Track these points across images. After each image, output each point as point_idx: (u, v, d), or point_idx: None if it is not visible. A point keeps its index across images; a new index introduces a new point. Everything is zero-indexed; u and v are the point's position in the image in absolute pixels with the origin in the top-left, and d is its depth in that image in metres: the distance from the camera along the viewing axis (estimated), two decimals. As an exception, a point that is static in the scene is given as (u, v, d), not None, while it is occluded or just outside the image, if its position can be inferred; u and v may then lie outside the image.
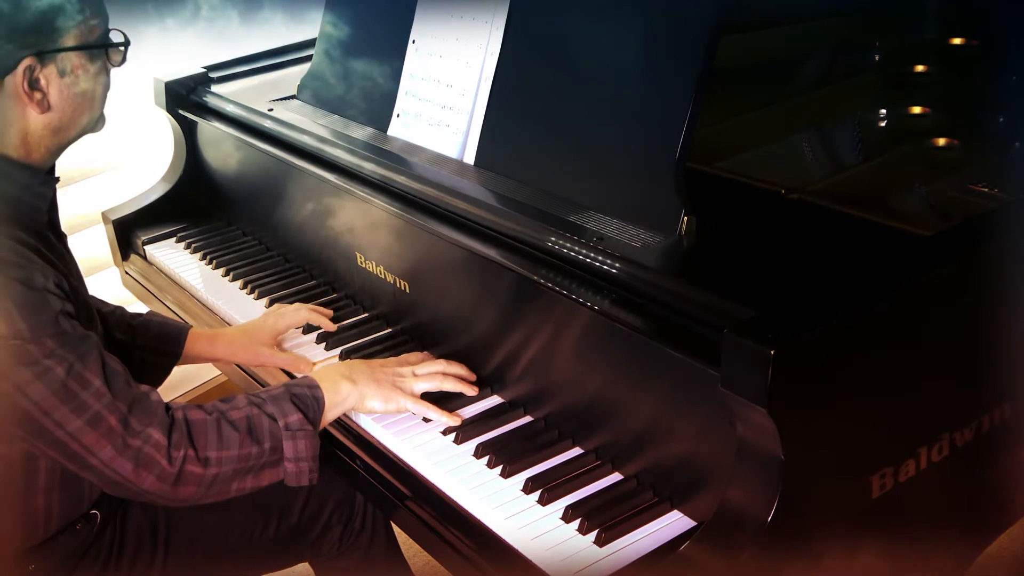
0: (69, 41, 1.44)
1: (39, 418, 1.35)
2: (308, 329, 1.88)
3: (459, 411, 1.60)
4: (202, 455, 1.41)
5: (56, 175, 1.54)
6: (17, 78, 1.41)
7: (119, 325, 1.79)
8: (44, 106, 1.44)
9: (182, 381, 2.88)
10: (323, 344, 1.84)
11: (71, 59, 1.44)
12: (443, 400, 1.61)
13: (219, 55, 2.43)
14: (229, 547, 1.70)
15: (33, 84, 1.42)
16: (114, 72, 1.55)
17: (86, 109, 1.49)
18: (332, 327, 1.86)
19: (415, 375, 1.62)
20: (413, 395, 1.59)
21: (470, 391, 1.63)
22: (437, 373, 1.63)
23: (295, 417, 1.47)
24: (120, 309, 1.84)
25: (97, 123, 1.54)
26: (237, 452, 1.43)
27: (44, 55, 1.42)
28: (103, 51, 1.50)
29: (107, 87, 1.53)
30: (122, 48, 1.52)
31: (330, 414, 1.54)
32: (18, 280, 1.34)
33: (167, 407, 1.43)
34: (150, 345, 1.79)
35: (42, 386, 1.34)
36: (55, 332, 1.35)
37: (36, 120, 1.44)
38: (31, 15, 1.39)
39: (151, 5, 2.65)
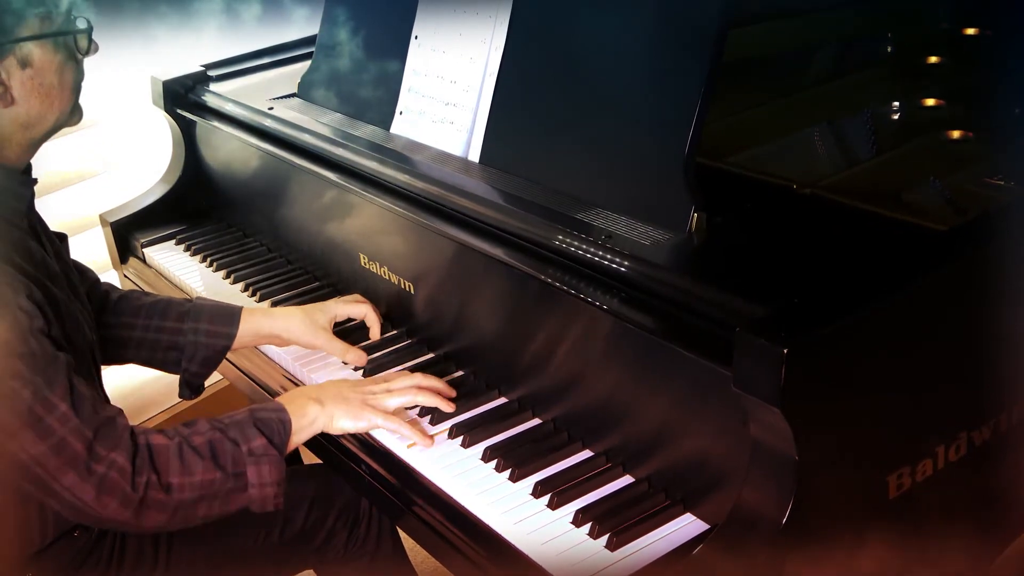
0: (26, 31, 1.37)
1: (3, 441, 1.31)
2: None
3: (466, 414, 1.58)
4: (164, 481, 1.37)
5: (34, 176, 1.49)
6: None
7: (167, 312, 1.76)
8: (7, 100, 1.39)
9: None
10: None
11: (32, 49, 1.39)
12: (438, 413, 1.58)
13: (236, 53, 2.40)
14: (232, 553, 1.68)
15: None
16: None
17: (55, 102, 1.44)
18: (373, 341, 1.81)
19: (388, 391, 1.58)
20: (384, 411, 1.55)
21: (446, 407, 1.58)
22: (411, 387, 1.58)
23: (259, 442, 1.44)
24: (168, 298, 1.81)
25: (72, 116, 1.48)
26: (200, 478, 1.39)
27: (0, 47, 1.36)
28: (68, 39, 1.43)
29: (79, 77, 1.47)
30: (87, 34, 1.45)
31: (297, 437, 1.50)
32: None
33: (132, 432, 1.39)
34: (202, 328, 1.75)
35: (7, 409, 1.30)
36: (23, 353, 1.31)
37: (2, 115, 1.40)
38: None
39: (163, 3, 2.61)
